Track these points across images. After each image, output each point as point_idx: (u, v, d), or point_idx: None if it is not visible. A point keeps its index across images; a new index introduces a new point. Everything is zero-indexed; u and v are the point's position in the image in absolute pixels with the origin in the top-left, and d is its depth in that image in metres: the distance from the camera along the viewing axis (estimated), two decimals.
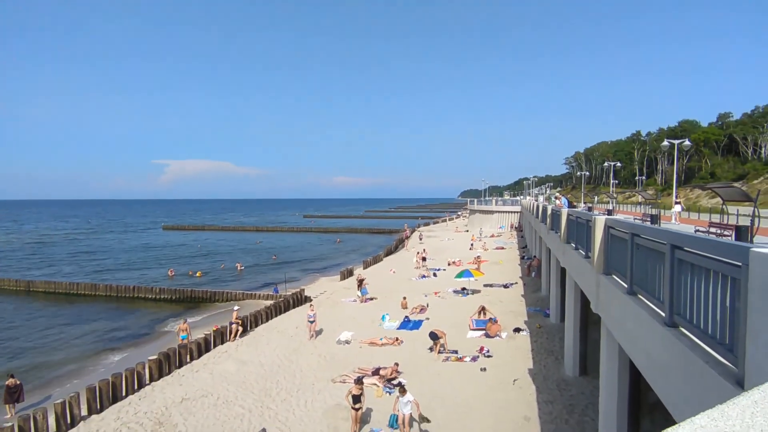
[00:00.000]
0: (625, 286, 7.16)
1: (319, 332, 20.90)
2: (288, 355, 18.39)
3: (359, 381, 12.42)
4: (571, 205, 24.93)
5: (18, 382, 15.46)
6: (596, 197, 57.96)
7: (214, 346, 20.22)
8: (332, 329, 21.44)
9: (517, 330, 19.98)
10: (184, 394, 15.07)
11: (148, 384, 16.36)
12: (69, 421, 13.44)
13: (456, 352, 17.66)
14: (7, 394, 15.14)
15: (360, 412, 11.99)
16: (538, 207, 29.87)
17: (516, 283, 30.47)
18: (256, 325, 23.21)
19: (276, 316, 25.06)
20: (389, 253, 52.18)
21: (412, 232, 73.35)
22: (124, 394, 15.36)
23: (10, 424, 12.28)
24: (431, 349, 17.89)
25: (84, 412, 14.13)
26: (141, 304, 31.43)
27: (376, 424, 12.42)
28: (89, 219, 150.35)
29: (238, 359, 18.14)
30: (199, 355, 19.15)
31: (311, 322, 20.29)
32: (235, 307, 22.32)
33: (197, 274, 41.63)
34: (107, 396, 14.76)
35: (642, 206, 43.37)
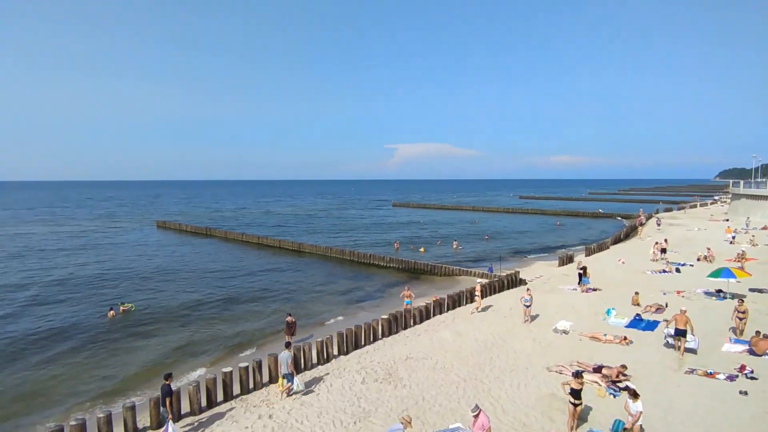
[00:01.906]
0: None
1: (534, 317, 20.46)
2: (502, 334, 18.68)
3: (579, 375, 11.75)
4: None
5: (294, 320, 20.28)
6: None
7: (433, 314, 22.13)
8: (549, 316, 20.67)
9: None
10: (408, 353, 17.11)
11: (381, 339, 19.20)
12: (325, 357, 17.01)
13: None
14: (287, 327, 20.06)
15: (579, 408, 11.38)
16: None
17: None
18: (471, 302, 24.22)
19: (490, 295, 25.58)
20: (617, 240, 46.30)
21: (648, 218, 62.99)
22: (363, 343, 18.47)
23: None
24: (669, 343, 15.58)
25: (335, 351, 17.64)
26: (374, 270, 36.62)
27: (595, 425, 11.61)
28: (338, 196, 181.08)
29: (454, 330, 19.42)
30: (421, 320, 21.30)
31: (527, 306, 19.99)
32: (478, 280, 24.21)
33: (421, 250, 45.54)
34: (351, 342, 18.02)
35: None
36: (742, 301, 18.07)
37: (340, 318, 24.41)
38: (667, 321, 17.64)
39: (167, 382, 12.05)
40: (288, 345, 14.80)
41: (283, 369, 14.00)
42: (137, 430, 12.43)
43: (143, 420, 12.98)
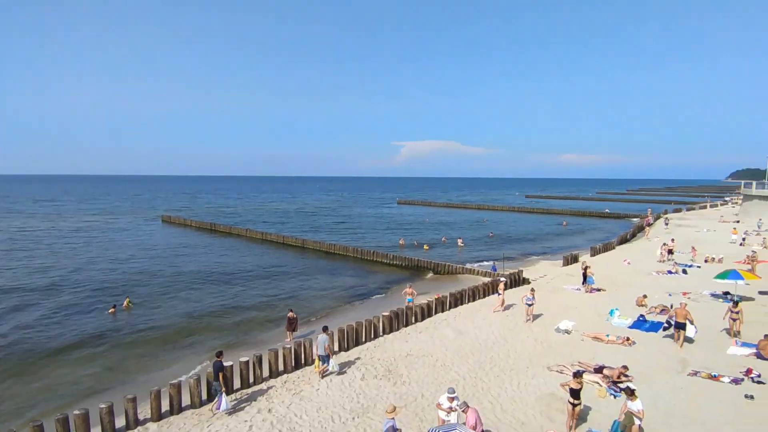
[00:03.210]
0: None
1: (536, 317, 20.34)
2: (503, 333, 18.58)
3: (578, 375, 11.63)
4: None
5: (295, 316, 20.27)
6: None
7: (435, 312, 22.04)
8: (551, 316, 20.55)
9: None
10: (408, 350, 17.06)
11: (381, 335, 19.14)
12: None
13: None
14: (288, 323, 20.06)
15: (578, 408, 11.28)
16: None
17: None
18: (473, 300, 24.11)
19: (493, 293, 25.42)
20: (623, 241, 45.99)
21: (656, 218, 62.52)
22: (363, 339, 18.42)
23: (289, 346, 16.30)
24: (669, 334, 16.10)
25: (336, 348, 17.60)
26: (378, 267, 36.56)
27: (594, 425, 11.50)
28: (341, 193, 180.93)
29: (455, 328, 19.35)
30: (422, 318, 21.22)
31: (529, 305, 19.87)
32: (502, 279, 23.99)
33: (424, 247, 45.43)
34: (352, 338, 17.97)
35: None
36: (737, 302, 17.73)
37: (342, 314, 24.38)
38: (670, 315, 17.82)
39: (219, 359, 13.08)
40: (325, 328, 15.63)
41: (320, 351, 14.81)
42: (138, 421, 12.49)
43: (144, 412, 13.02)
